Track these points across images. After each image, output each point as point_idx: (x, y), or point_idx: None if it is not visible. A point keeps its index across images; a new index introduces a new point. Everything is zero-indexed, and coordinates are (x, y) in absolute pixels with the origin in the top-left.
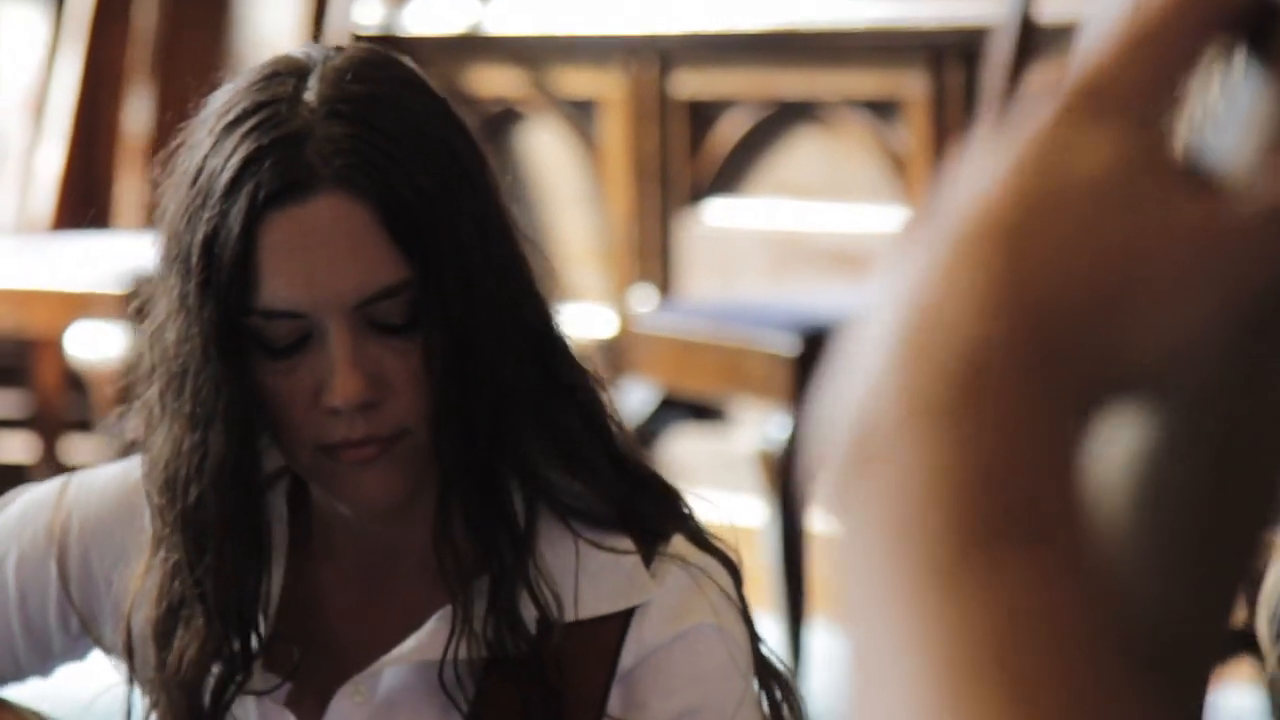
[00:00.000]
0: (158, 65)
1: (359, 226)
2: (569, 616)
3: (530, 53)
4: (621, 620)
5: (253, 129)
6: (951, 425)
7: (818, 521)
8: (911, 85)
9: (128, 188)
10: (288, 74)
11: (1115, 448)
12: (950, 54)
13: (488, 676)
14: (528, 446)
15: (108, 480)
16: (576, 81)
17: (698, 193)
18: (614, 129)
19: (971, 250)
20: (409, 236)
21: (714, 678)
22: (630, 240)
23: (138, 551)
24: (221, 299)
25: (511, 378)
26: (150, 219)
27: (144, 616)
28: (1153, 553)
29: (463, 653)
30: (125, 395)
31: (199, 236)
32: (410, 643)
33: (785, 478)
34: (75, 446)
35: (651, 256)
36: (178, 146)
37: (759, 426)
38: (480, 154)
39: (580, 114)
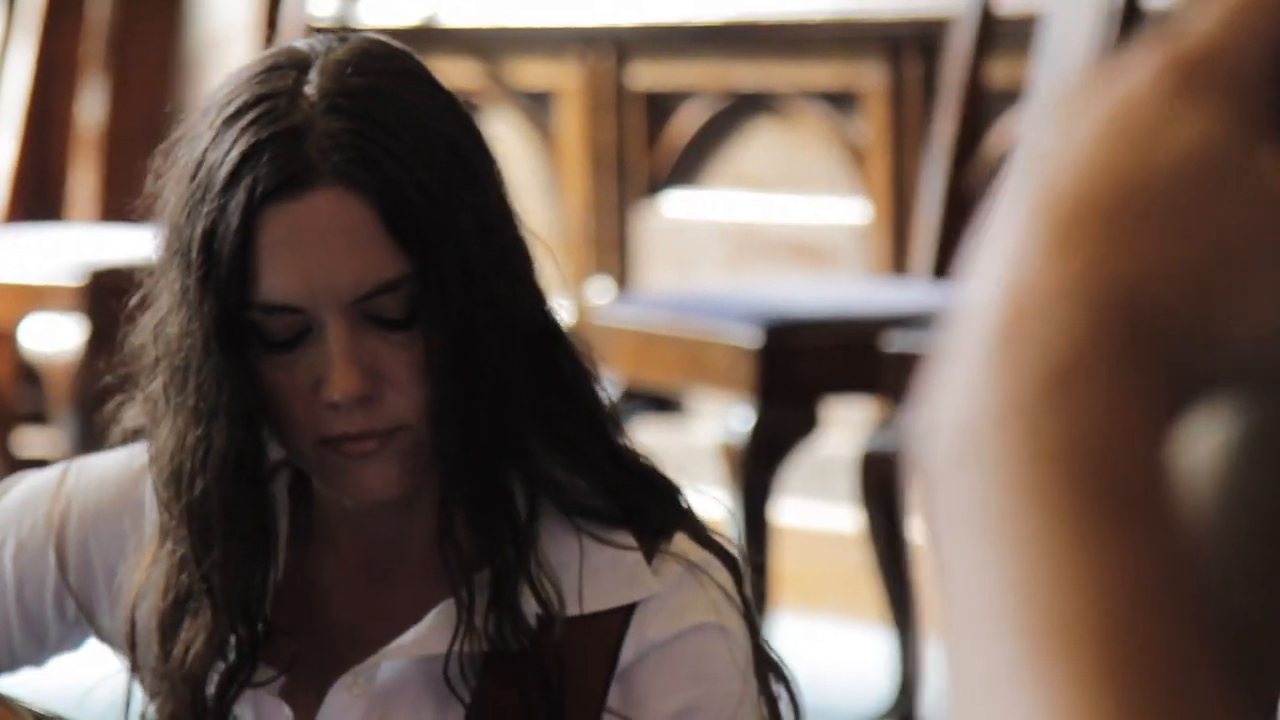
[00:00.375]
0: (111, 58)
1: (357, 222)
2: (570, 611)
3: (486, 44)
4: (623, 616)
5: (252, 122)
6: (1046, 418)
7: (781, 514)
8: (869, 77)
9: (81, 180)
10: (289, 66)
11: (1204, 443)
12: (909, 46)
13: (488, 671)
14: (529, 441)
15: (108, 469)
16: (533, 73)
17: (655, 184)
18: (571, 121)
19: (1063, 234)
20: (408, 232)
21: (714, 677)
22: (587, 232)
23: (138, 542)
24: (221, 293)
25: (512, 373)
26: (104, 211)
27: (149, 608)
28: (1232, 555)
29: (464, 646)
30: (124, 385)
31: (198, 230)
32: (410, 636)
33: (748, 469)
34: (29, 439)
35: (609, 248)
36: (178, 139)
37: (719, 418)
38: (484, 148)
39: (537, 106)
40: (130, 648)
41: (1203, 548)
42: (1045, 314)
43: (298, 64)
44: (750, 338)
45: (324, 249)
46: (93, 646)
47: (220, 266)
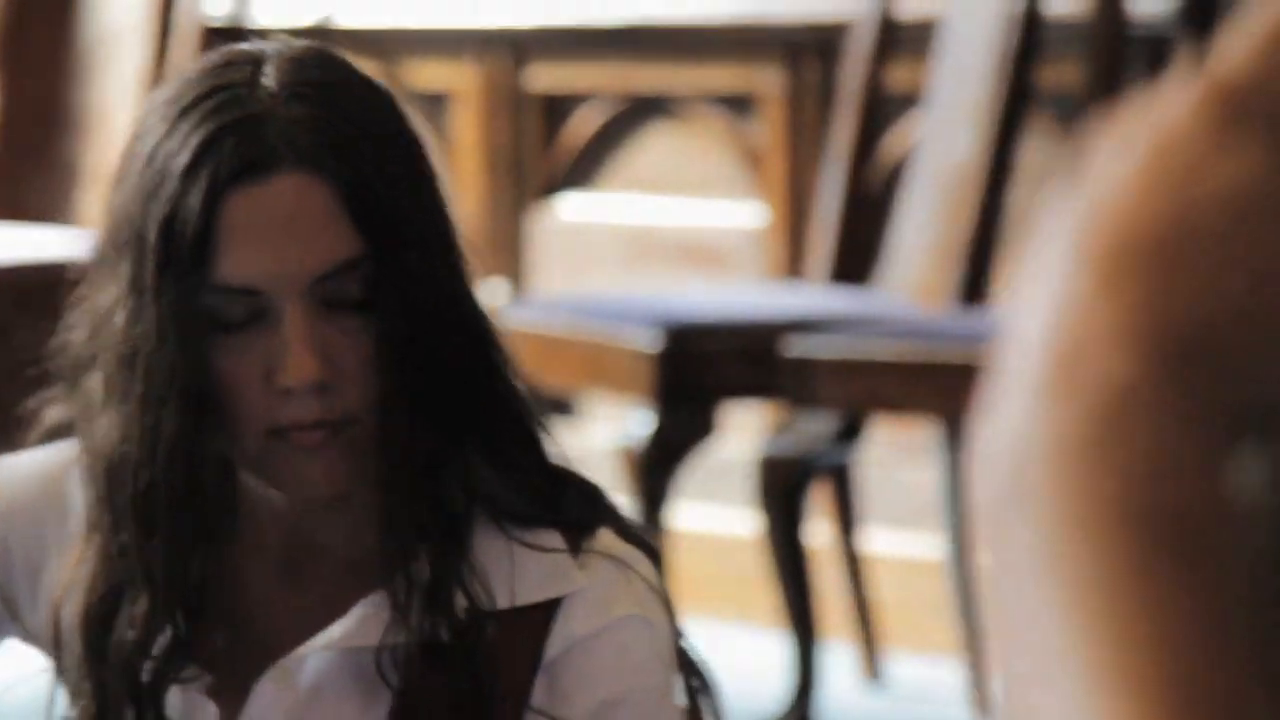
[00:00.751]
0: (3, 56)
1: (319, 204)
2: (498, 605)
3: (382, 45)
4: (549, 610)
5: (211, 111)
6: (1101, 458)
7: (678, 518)
8: (768, 81)
9: None
10: (242, 62)
11: (1260, 476)
12: (807, 50)
13: (416, 664)
14: (465, 438)
15: (29, 467)
16: (429, 74)
17: (551, 187)
18: (467, 122)
19: (1111, 271)
20: (367, 214)
21: (638, 669)
22: (483, 235)
23: (60, 540)
24: (180, 277)
25: (456, 369)
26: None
27: (75, 606)
28: None
29: (390, 639)
30: (44, 383)
31: (156, 218)
32: (336, 629)
33: (646, 473)
34: None
35: (504, 251)
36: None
37: (615, 422)
38: (424, 147)
39: (433, 107)
40: (55, 647)
41: (1264, 583)
42: (1097, 353)
43: (251, 60)
44: (649, 341)
45: (286, 231)
46: (12, 645)
47: (180, 251)
